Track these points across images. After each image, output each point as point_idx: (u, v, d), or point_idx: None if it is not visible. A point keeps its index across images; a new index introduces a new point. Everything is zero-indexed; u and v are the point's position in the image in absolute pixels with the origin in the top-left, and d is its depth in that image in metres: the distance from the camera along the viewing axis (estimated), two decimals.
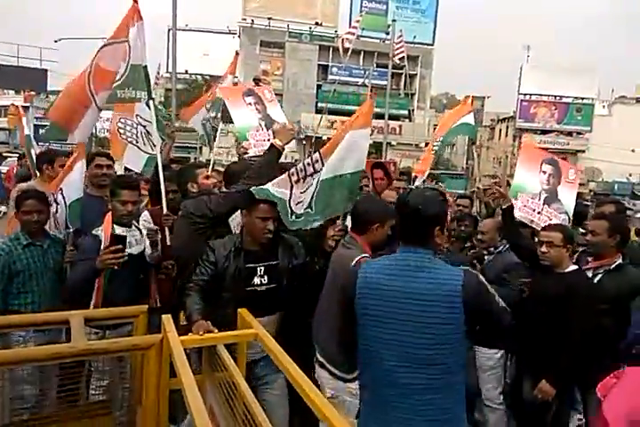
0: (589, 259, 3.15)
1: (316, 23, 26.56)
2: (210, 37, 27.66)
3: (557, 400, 2.83)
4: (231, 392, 1.93)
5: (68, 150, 4.24)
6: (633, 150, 29.54)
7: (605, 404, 1.99)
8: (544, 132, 30.30)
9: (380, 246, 2.65)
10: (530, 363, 3.01)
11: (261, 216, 2.59)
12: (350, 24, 18.63)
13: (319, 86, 26.47)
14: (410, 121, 26.79)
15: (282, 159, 3.11)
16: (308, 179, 2.86)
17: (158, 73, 19.49)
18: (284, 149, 2.90)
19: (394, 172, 7.13)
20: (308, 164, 2.84)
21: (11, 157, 18.93)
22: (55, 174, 3.79)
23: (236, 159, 6.07)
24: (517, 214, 3.42)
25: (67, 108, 3.44)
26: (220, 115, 5.76)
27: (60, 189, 3.22)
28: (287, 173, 2.79)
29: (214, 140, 5.99)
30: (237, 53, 6.21)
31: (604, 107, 32.19)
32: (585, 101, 30.26)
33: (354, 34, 16.08)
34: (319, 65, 26.68)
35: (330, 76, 25.81)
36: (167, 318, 2.13)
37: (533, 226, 3.48)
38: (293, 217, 2.81)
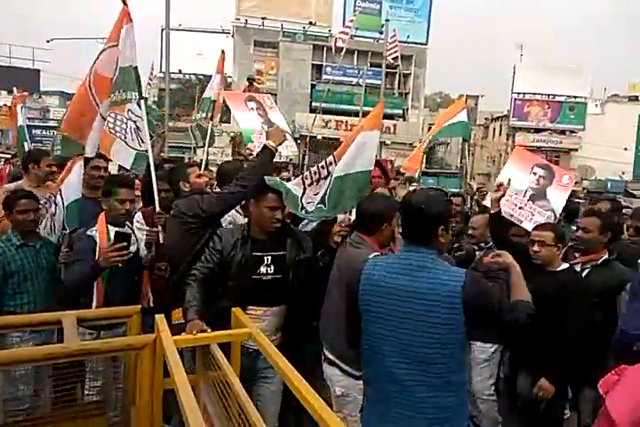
0: (577, 254, 3.18)
1: (310, 23, 26.52)
2: (203, 37, 27.58)
3: (550, 395, 2.85)
4: (225, 391, 1.93)
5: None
6: (625, 148, 29.74)
7: (609, 401, 1.99)
8: (537, 130, 30.43)
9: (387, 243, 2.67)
10: (524, 359, 3.03)
11: (270, 206, 2.62)
12: (344, 24, 18.61)
13: (313, 86, 26.43)
14: (404, 120, 26.80)
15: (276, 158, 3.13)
16: (321, 182, 2.94)
17: (152, 73, 19.43)
18: (277, 150, 2.92)
19: (391, 170, 7.15)
20: (322, 167, 2.94)
21: (3, 157, 18.82)
22: (42, 174, 3.77)
23: (229, 159, 6.05)
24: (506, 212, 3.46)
25: (77, 120, 3.44)
26: (210, 114, 5.75)
27: (59, 191, 3.21)
28: (301, 176, 2.86)
29: (205, 139, 5.97)
30: (224, 52, 6.15)
31: (596, 105, 32.37)
32: (578, 100, 30.40)
33: (347, 33, 16.08)
34: (313, 65, 26.64)
35: (324, 76, 25.78)
36: (160, 318, 2.13)
37: (512, 220, 3.51)
38: (303, 211, 2.88)
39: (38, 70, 27.74)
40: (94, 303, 2.79)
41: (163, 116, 8.18)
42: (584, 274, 3.04)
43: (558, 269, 2.92)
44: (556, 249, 2.91)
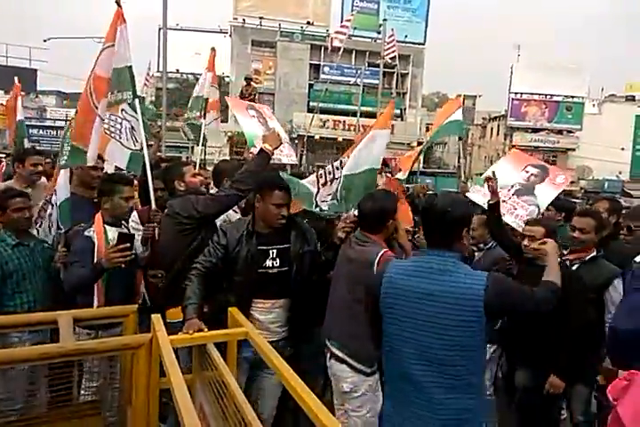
0: (564, 251, 3.20)
1: (308, 22, 26.52)
2: (201, 37, 27.57)
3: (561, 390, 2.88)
4: (221, 391, 1.93)
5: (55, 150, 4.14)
6: (623, 148, 29.81)
7: (620, 408, 1.98)
8: (535, 130, 30.49)
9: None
10: (523, 355, 3.04)
11: (276, 203, 2.64)
12: (342, 23, 18.61)
13: (311, 85, 26.44)
14: (402, 120, 26.83)
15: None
16: (334, 182, 3.01)
17: (149, 72, 19.38)
18: (273, 153, 2.95)
19: (395, 168, 7.20)
20: (337, 168, 2.98)
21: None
22: (26, 173, 3.71)
23: (227, 158, 6.05)
24: (474, 197, 3.51)
25: (83, 128, 3.43)
26: (203, 113, 5.74)
27: (54, 191, 3.20)
28: (315, 174, 2.90)
29: (199, 137, 5.95)
30: (214, 50, 6.13)
31: (593, 105, 32.42)
32: (575, 100, 30.47)
33: (345, 33, 16.08)
34: (311, 64, 26.65)
35: (322, 76, 25.79)
36: (157, 318, 2.12)
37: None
38: (317, 209, 2.97)
39: (35, 70, 27.69)
40: (95, 303, 2.78)
41: (159, 116, 8.17)
42: None
43: None
44: None
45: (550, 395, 2.86)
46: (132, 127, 3.39)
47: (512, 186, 3.61)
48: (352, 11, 22.51)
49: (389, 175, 5.14)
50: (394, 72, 22.69)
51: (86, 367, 2.56)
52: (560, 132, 30.65)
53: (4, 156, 11.81)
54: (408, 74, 27.37)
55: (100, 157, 3.55)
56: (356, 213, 2.93)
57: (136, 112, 3.45)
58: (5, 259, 2.84)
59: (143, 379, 2.05)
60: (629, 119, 30.60)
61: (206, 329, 2.21)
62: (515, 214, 3.48)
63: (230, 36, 26.49)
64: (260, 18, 25.81)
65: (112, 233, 2.91)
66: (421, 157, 22.42)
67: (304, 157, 21.80)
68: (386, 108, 3.40)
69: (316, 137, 23.65)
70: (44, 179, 3.94)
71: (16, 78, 5.72)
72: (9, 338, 2.69)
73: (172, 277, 2.87)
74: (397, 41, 17.34)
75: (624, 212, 3.95)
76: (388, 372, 2.14)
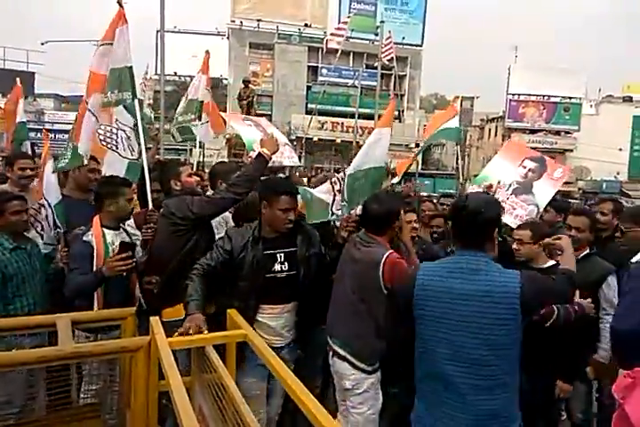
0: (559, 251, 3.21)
1: (306, 25, 26.54)
2: (199, 39, 27.54)
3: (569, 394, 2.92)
4: (220, 393, 1.93)
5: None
6: (620, 149, 29.86)
7: (628, 407, 1.98)
8: (533, 131, 30.52)
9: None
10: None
11: (283, 208, 2.65)
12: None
13: (309, 87, 26.45)
14: (400, 122, 26.83)
15: None
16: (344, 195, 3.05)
17: (146, 74, 19.39)
18: (271, 157, 2.96)
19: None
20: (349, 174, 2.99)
21: None
22: (15, 177, 3.68)
23: (225, 160, 6.06)
24: None
25: (78, 125, 3.44)
26: (198, 115, 5.75)
27: (43, 194, 3.19)
28: (329, 180, 2.94)
29: (195, 139, 5.97)
30: (208, 52, 6.14)
31: (591, 106, 32.47)
32: (573, 101, 30.52)
33: (341, 36, 16.09)
34: (309, 66, 26.67)
35: (320, 78, 25.80)
36: (155, 321, 2.12)
37: None
38: (334, 217, 3.03)
39: (33, 73, 27.66)
40: (95, 306, 2.78)
41: (157, 119, 8.18)
42: None
43: (545, 266, 2.93)
44: (536, 246, 2.92)
45: (559, 398, 2.89)
46: (128, 137, 3.42)
47: (510, 184, 3.58)
48: (349, 13, 22.56)
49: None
50: (392, 74, 22.70)
51: (86, 370, 2.56)
52: (558, 133, 30.69)
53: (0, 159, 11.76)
54: (406, 76, 27.40)
55: (95, 159, 3.56)
56: (358, 212, 2.96)
57: (134, 113, 3.47)
58: (5, 262, 2.84)
59: (142, 382, 2.05)
60: (627, 120, 30.64)
61: (206, 330, 2.21)
62: (514, 215, 3.47)
63: (228, 38, 26.51)
64: (258, 20, 25.82)
65: (110, 237, 2.91)
66: (420, 159, 22.44)
67: (302, 158, 21.79)
68: (387, 107, 3.45)
69: (315, 139, 23.66)
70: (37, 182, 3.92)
71: (18, 80, 5.63)
72: (10, 341, 2.68)
73: (167, 277, 2.88)
74: (395, 43, 17.34)
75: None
76: (421, 373, 2.16)
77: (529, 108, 30.71)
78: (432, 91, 56.69)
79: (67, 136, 3.58)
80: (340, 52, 17.52)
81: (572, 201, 9.06)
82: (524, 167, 3.64)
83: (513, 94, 30.56)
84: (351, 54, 26.03)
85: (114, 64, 3.36)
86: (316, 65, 26.48)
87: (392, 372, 2.79)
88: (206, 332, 2.19)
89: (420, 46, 28.00)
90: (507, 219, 3.44)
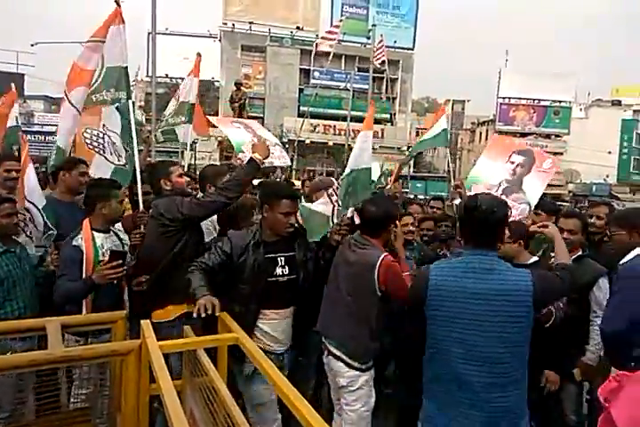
0: (552, 253, 3.23)
1: (298, 27, 26.57)
2: (190, 41, 27.49)
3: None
4: (212, 397, 1.92)
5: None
6: (609, 152, 30.19)
7: (614, 410, 2.00)
8: (523, 134, 30.72)
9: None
10: None
11: (284, 212, 2.66)
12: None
13: (301, 90, 26.47)
14: (392, 125, 26.93)
15: None
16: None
17: (137, 76, 19.30)
18: (262, 162, 2.96)
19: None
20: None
21: None
22: (1, 179, 3.63)
23: (217, 163, 6.05)
24: None
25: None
26: (189, 118, 5.73)
27: (25, 197, 3.12)
28: (326, 193, 2.96)
29: (187, 142, 5.95)
30: (199, 55, 6.12)
31: (580, 110, 32.82)
32: (562, 105, 30.82)
33: (333, 39, 16.14)
34: (301, 69, 26.69)
35: (312, 80, 25.85)
36: (146, 324, 2.11)
37: None
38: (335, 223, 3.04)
39: (22, 74, 27.41)
40: (83, 311, 2.77)
41: (148, 121, 8.14)
42: None
43: (528, 262, 2.94)
44: (516, 245, 2.92)
45: (550, 393, 2.90)
46: (114, 142, 3.41)
47: (499, 184, 3.52)
48: (341, 16, 22.63)
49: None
50: (383, 77, 22.81)
51: (76, 374, 2.54)
52: (548, 136, 30.96)
53: None
54: (397, 79, 27.50)
55: (84, 162, 3.53)
56: (349, 214, 2.98)
57: (127, 115, 3.46)
58: None
59: (133, 385, 2.04)
60: (616, 123, 31.02)
61: (218, 306, 2.28)
62: None
63: (220, 40, 26.48)
64: (250, 23, 25.81)
65: (100, 240, 2.89)
66: (412, 162, 22.52)
67: (295, 161, 21.79)
68: (368, 111, 3.49)
69: (307, 141, 23.70)
70: None
71: (12, 85, 5.57)
72: (5, 344, 2.65)
73: (156, 278, 2.86)
74: (386, 46, 17.45)
75: None
76: (432, 373, 2.17)
77: (519, 112, 30.98)
78: (424, 94, 57.04)
79: (56, 138, 3.55)
80: (332, 55, 17.58)
81: (562, 204, 9.13)
82: (512, 163, 3.57)
83: (503, 98, 30.82)
84: (343, 57, 26.09)
85: (110, 62, 3.34)
86: (308, 68, 26.52)
87: (384, 372, 2.83)
88: (219, 310, 2.28)
89: (412, 50, 28.13)
90: None
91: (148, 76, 21.46)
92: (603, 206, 3.82)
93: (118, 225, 3.29)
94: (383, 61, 16.48)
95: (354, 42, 26.03)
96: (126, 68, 3.41)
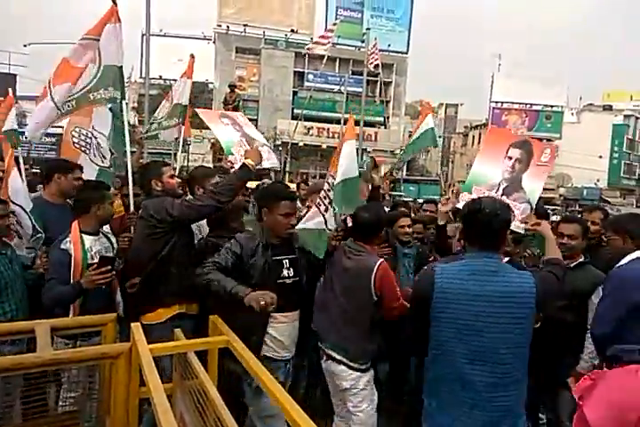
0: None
1: (292, 30, 26.62)
2: (184, 43, 27.45)
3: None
4: (202, 400, 1.91)
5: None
6: (600, 157, 30.47)
7: (586, 407, 2.02)
8: None
9: None
10: None
11: (284, 213, 2.69)
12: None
13: (295, 93, 26.48)
14: (385, 128, 27.01)
15: None
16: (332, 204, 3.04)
17: (130, 77, 19.21)
18: (255, 168, 2.95)
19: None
20: (328, 189, 2.96)
21: None
22: None
23: (210, 165, 6.04)
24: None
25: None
26: (182, 120, 5.69)
27: (9, 198, 3.06)
28: (315, 204, 2.96)
29: (179, 145, 5.91)
30: (193, 56, 6.08)
31: (572, 114, 33.12)
32: (554, 109, 31.07)
33: (325, 44, 16.14)
34: (295, 72, 26.71)
35: (306, 83, 25.85)
36: (136, 327, 2.10)
37: None
38: (331, 232, 3.02)
39: (14, 75, 27.21)
40: (70, 314, 2.74)
41: (141, 123, 8.11)
42: None
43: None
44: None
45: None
46: (99, 144, 3.41)
47: (499, 184, 3.41)
48: (336, 19, 22.67)
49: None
50: (377, 80, 22.88)
51: (65, 377, 2.52)
52: (540, 140, 31.16)
53: None
54: (391, 82, 27.59)
55: (81, 168, 3.50)
56: (344, 222, 3.01)
57: (120, 115, 3.45)
58: None
59: (122, 389, 2.03)
60: (607, 128, 31.33)
61: (275, 298, 2.33)
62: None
63: (214, 42, 26.46)
64: (245, 25, 25.82)
65: (89, 242, 2.87)
66: (404, 165, 22.61)
67: (288, 164, 21.80)
68: (347, 123, 3.43)
69: (301, 144, 23.68)
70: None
71: (10, 90, 5.51)
72: (1, 349, 2.62)
73: (145, 279, 2.85)
74: (380, 50, 17.48)
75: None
76: (434, 374, 2.19)
77: (511, 116, 31.21)
78: (417, 97, 57.07)
79: (48, 140, 3.54)
80: (326, 58, 17.59)
81: (554, 208, 9.17)
82: (510, 158, 3.43)
83: (496, 102, 31.05)
84: (337, 60, 26.15)
85: (107, 61, 3.31)
86: (302, 70, 26.55)
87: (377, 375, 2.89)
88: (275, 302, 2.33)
89: (406, 53, 28.25)
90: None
91: (141, 77, 21.39)
92: (597, 212, 3.82)
93: (106, 227, 3.27)
94: (377, 65, 16.50)
95: (348, 45, 26.11)
96: (121, 67, 3.40)
